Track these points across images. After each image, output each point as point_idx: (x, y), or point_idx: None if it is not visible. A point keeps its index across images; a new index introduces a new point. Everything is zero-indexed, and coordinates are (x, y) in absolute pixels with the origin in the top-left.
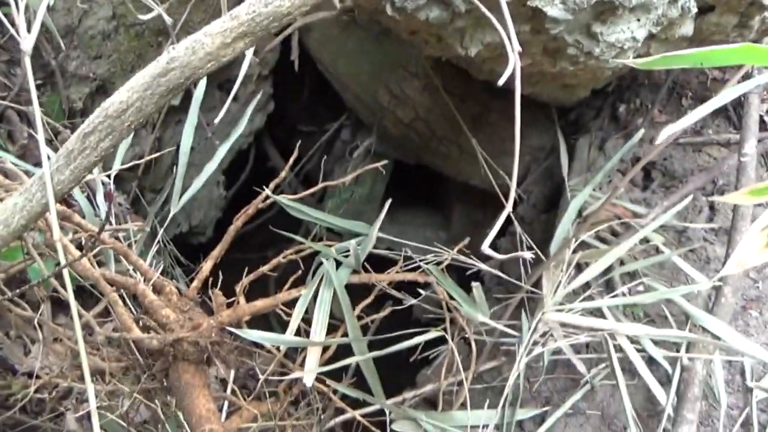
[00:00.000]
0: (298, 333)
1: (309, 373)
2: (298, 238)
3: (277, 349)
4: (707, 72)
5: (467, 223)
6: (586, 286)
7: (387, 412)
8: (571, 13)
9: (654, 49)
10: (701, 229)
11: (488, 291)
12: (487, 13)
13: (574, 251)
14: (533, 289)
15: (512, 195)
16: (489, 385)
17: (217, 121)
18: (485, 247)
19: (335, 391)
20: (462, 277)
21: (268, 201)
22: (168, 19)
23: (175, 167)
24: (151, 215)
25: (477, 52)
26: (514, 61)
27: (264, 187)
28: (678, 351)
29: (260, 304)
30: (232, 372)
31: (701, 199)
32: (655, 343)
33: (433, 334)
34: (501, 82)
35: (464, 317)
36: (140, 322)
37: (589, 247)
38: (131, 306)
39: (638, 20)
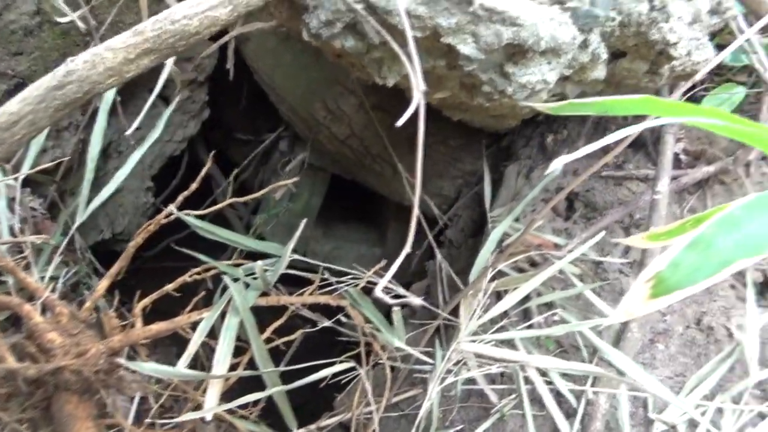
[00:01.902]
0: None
1: (209, 410)
2: (200, 256)
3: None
4: None
5: (402, 241)
6: (505, 315)
7: None
8: (483, 52)
9: (569, 90)
10: (618, 262)
11: (412, 315)
12: (396, 48)
13: (494, 280)
14: (450, 318)
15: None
16: (404, 413)
17: (133, 128)
18: (377, 291)
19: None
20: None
21: (172, 217)
22: (81, 25)
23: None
24: (60, 222)
25: (395, 83)
26: (419, 99)
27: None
28: (586, 383)
29: (156, 328)
30: (135, 400)
31: (618, 232)
32: (565, 375)
33: (342, 366)
34: (400, 122)
35: (379, 342)
36: (23, 347)
37: (508, 276)
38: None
39: (549, 63)
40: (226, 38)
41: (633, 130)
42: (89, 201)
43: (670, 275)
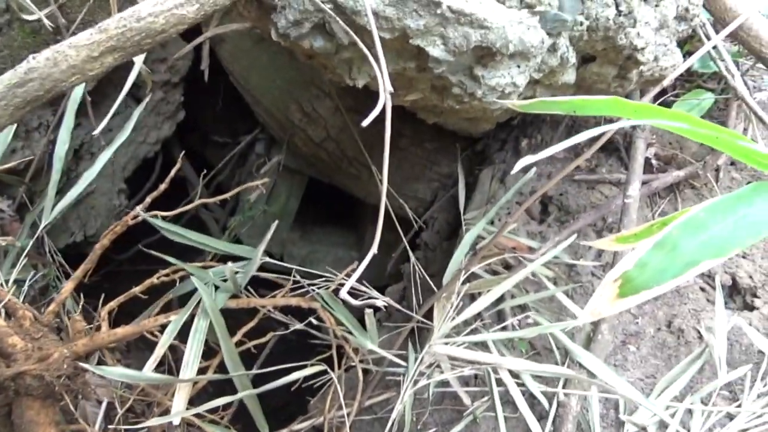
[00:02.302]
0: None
1: (176, 415)
2: (169, 259)
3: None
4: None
5: (379, 244)
6: (478, 317)
7: None
8: (452, 54)
9: (539, 93)
10: (590, 265)
11: (388, 318)
12: (364, 50)
13: (468, 283)
14: (424, 320)
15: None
16: (377, 417)
17: (100, 128)
18: (343, 293)
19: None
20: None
21: (139, 218)
22: (48, 24)
23: (68, 172)
24: (27, 224)
25: (365, 84)
26: (384, 100)
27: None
28: (558, 385)
29: (122, 332)
30: (102, 406)
31: (591, 235)
32: (537, 377)
33: (313, 369)
34: (366, 122)
35: (351, 345)
36: None
37: (481, 279)
38: None
39: (518, 66)
40: (200, 39)
41: (600, 130)
42: (58, 202)
43: (637, 275)
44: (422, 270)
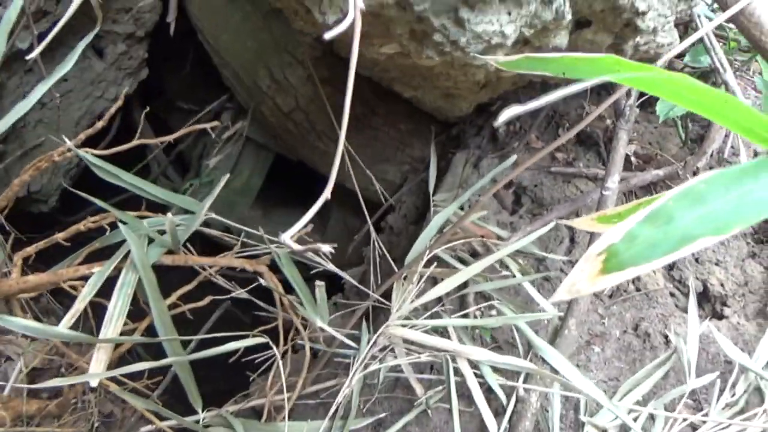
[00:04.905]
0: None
1: (93, 376)
2: (99, 202)
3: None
4: (585, 106)
5: (343, 228)
6: (440, 302)
7: (201, 418)
8: None
9: None
10: (560, 259)
11: (345, 299)
12: None
13: (432, 267)
14: (382, 300)
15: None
16: (322, 401)
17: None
18: (285, 237)
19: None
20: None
21: (69, 154)
22: None
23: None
24: None
25: (335, 20)
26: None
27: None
28: (518, 380)
29: (34, 279)
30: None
31: (563, 229)
32: (497, 370)
33: (253, 341)
34: (327, 36)
35: (299, 318)
36: None
37: (447, 264)
38: None
39: (509, 14)
40: None
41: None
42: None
43: (624, 249)
44: (386, 252)
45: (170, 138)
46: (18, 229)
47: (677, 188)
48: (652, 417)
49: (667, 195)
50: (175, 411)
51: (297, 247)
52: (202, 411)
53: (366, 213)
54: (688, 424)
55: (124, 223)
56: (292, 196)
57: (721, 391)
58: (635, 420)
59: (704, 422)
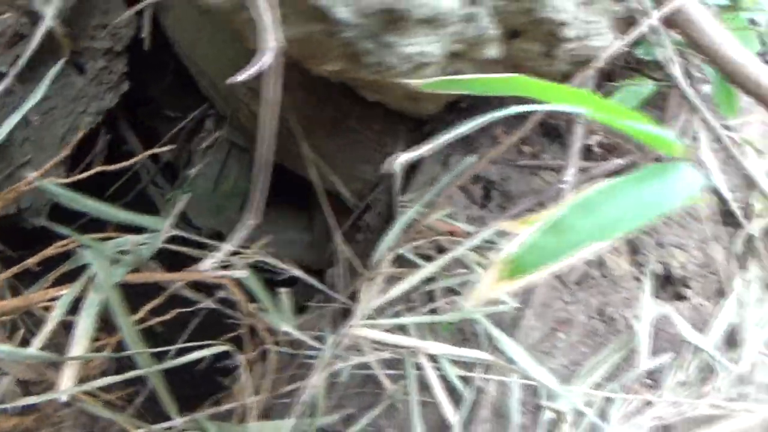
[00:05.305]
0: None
1: (64, 392)
2: (63, 230)
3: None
4: None
5: (328, 227)
6: (407, 300)
7: (177, 424)
8: (358, 16)
9: (465, 69)
10: None
11: (310, 299)
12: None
13: (399, 265)
14: (349, 302)
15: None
16: (291, 402)
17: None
18: (207, 264)
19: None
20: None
21: (34, 185)
22: None
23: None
24: None
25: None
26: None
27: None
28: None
29: (5, 303)
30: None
31: None
32: (457, 362)
33: (219, 348)
34: (240, 78)
35: (265, 325)
36: None
37: (412, 263)
38: None
39: (431, 35)
40: (141, 5)
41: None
42: None
43: (525, 256)
44: (351, 252)
45: (150, 153)
46: (11, 245)
47: (574, 199)
48: (610, 399)
49: (565, 205)
50: (157, 417)
51: (213, 274)
52: (180, 415)
53: (333, 217)
54: (645, 403)
55: (89, 246)
56: (280, 196)
57: (678, 370)
58: (591, 403)
59: (658, 401)
